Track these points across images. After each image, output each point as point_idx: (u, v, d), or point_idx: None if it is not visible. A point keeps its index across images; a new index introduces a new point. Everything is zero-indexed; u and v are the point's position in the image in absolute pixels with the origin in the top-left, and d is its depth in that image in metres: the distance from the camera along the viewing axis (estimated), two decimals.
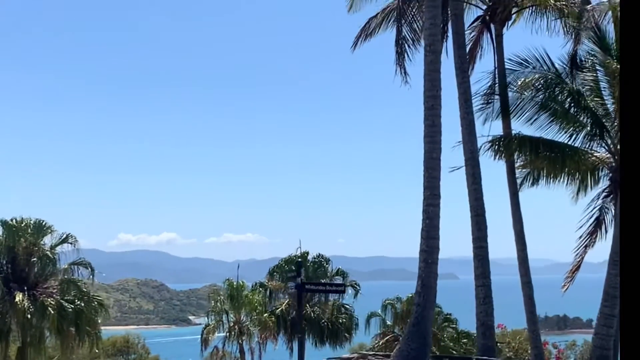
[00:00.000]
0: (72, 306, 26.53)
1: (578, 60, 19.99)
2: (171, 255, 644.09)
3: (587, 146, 19.69)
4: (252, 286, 36.61)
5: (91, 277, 28.69)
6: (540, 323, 26.20)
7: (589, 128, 19.56)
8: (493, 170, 22.12)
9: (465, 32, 21.10)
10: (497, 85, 21.04)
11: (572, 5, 20.11)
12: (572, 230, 20.96)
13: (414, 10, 21.14)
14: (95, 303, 28.10)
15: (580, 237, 20.94)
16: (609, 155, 19.40)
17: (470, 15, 22.13)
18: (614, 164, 19.11)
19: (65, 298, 26.68)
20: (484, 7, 21.90)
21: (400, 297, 34.25)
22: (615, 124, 18.57)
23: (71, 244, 27.66)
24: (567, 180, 20.45)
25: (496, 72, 21.17)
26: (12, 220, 27.33)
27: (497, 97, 20.95)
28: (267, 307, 35.41)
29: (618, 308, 16.82)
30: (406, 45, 20.91)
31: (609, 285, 17.29)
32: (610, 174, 19.56)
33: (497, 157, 19.99)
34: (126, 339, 53.73)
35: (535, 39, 26.31)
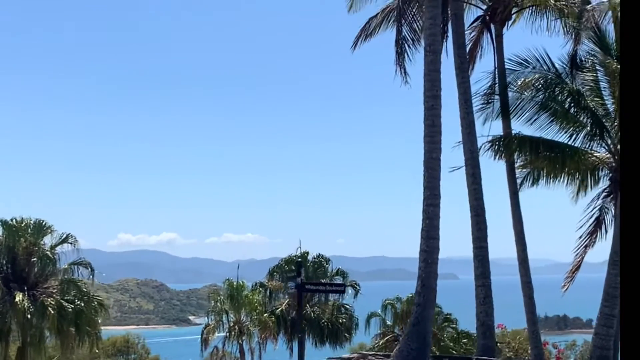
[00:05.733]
0: (72, 306, 26.56)
1: (578, 60, 20.00)
2: (171, 255, 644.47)
3: (587, 146, 19.69)
4: (252, 286, 36.64)
5: (91, 277, 28.77)
6: (540, 323, 26.20)
7: (589, 128, 19.57)
8: (493, 170, 22.14)
9: (465, 32, 21.11)
10: (497, 85, 21.05)
11: (572, 5, 20.11)
12: (572, 230, 20.99)
13: (414, 10, 21.15)
14: (95, 303, 28.13)
15: (580, 237, 20.97)
16: (609, 155, 19.40)
17: (470, 15, 22.17)
18: (614, 164, 19.12)
19: (65, 298, 26.71)
20: (484, 7, 21.91)
21: (400, 297, 34.29)
22: (615, 124, 18.58)
23: (71, 244, 27.73)
24: (567, 180, 20.46)
25: (496, 72, 21.18)
26: (12, 220, 27.38)
27: (497, 97, 20.96)
28: (267, 307, 35.45)
29: (618, 308, 16.82)
30: (406, 45, 20.92)
31: (609, 285, 17.28)
32: (610, 174, 19.56)
33: (497, 157, 20.01)
34: (126, 339, 53.76)
35: (535, 39, 26.31)
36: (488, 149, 19.80)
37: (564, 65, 20.08)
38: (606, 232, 20.81)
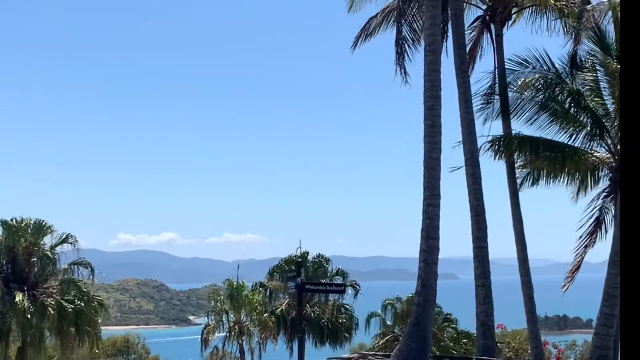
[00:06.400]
0: (72, 306, 26.55)
1: (578, 60, 19.99)
2: (171, 255, 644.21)
3: (587, 146, 19.69)
4: (252, 286, 36.63)
5: (91, 277, 28.74)
6: (540, 323, 26.20)
7: (589, 128, 19.56)
8: (493, 170, 22.13)
9: (465, 32, 21.10)
10: (497, 85, 21.04)
11: (572, 5, 20.11)
12: (572, 230, 20.98)
13: (414, 10, 21.14)
14: (95, 303, 28.13)
15: (580, 237, 20.96)
16: (609, 155, 19.40)
17: (470, 15, 22.16)
18: (614, 164, 19.12)
19: (65, 298, 26.69)
20: (484, 7, 21.90)
21: (400, 297, 34.28)
22: (615, 124, 18.58)
23: (71, 244, 27.71)
24: (567, 180, 20.45)
25: (496, 72, 21.17)
26: (12, 220, 27.36)
27: (497, 97, 20.95)
28: (267, 307, 35.44)
29: (618, 308, 16.82)
30: (406, 45, 20.92)
31: (609, 285, 17.28)
32: (610, 174, 19.56)
33: (497, 157, 20.00)
34: (126, 339, 53.74)
35: (535, 39, 26.27)
36: (488, 149, 19.80)
37: (564, 65, 20.07)
38: (606, 232, 20.82)
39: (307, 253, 36.21)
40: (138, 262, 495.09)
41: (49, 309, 25.52)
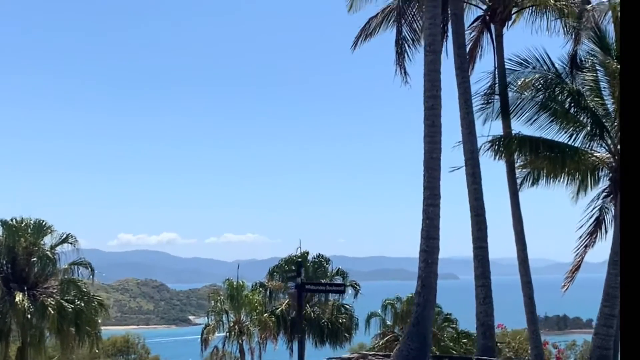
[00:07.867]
0: (72, 306, 26.54)
1: (578, 60, 19.97)
2: (171, 255, 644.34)
3: (587, 146, 19.67)
4: (252, 286, 36.64)
5: (91, 277, 28.73)
6: (540, 323, 26.17)
7: (589, 128, 19.55)
8: (493, 170, 22.14)
9: (465, 32, 21.10)
10: (497, 85, 21.04)
11: (572, 5, 20.12)
12: (572, 230, 20.97)
13: (414, 10, 21.15)
14: (95, 303, 28.12)
15: (580, 237, 20.95)
16: (609, 155, 19.39)
17: (470, 15, 22.17)
18: (614, 164, 19.11)
19: (65, 298, 26.69)
20: (484, 7, 21.90)
21: (400, 297, 34.28)
22: (615, 124, 18.57)
23: (71, 244, 27.70)
24: (567, 180, 20.44)
25: (496, 72, 21.18)
26: (12, 220, 27.35)
27: (497, 97, 20.95)
28: (267, 307, 35.44)
29: (618, 308, 16.82)
30: (406, 45, 20.93)
31: (609, 285, 17.28)
32: (610, 174, 19.55)
33: (497, 157, 19.99)
34: (126, 339, 53.83)
35: (535, 39, 26.28)
36: (488, 149, 19.79)
37: (564, 65, 20.05)
38: (606, 232, 20.80)
39: (307, 253, 36.22)
40: (138, 262, 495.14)
41: (49, 309, 25.51)
